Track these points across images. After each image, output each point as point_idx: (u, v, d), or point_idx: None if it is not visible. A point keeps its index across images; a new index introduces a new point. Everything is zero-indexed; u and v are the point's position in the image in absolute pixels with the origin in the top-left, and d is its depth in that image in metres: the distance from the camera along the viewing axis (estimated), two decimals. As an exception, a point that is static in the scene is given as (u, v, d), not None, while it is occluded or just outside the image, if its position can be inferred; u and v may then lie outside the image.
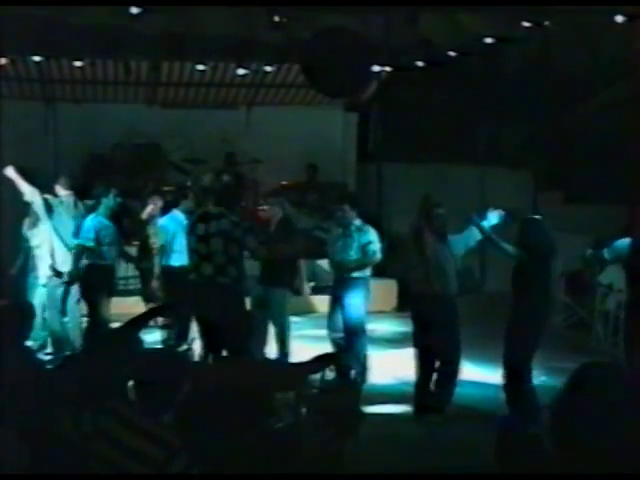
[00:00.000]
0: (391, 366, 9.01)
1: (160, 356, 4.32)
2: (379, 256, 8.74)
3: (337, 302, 8.74)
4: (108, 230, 9.26)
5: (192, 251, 7.56)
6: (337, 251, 8.75)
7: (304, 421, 5.27)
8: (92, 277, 9.20)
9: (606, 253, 8.68)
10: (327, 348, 9.26)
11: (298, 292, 9.53)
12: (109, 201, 9.32)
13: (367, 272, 8.81)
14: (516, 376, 7.65)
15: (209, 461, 4.43)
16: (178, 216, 9.71)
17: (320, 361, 6.04)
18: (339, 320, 8.69)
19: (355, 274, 8.65)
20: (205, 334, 7.57)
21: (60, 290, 9.27)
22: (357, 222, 8.72)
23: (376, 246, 8.67)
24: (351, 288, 8.64)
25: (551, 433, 2.37)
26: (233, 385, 5.27)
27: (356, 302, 8.66)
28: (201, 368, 6.26)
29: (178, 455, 3.72)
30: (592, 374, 2.45)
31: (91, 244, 9.14)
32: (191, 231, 7.64)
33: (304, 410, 5.38)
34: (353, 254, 8.63)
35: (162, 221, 9.87)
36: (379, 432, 6.77)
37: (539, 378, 9.05)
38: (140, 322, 5.13)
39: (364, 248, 8.61)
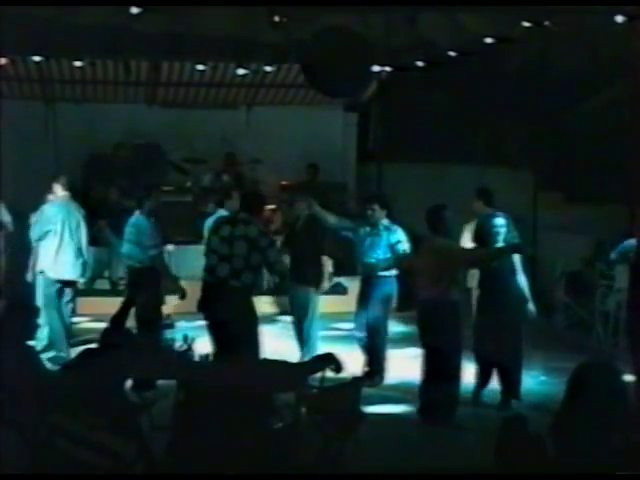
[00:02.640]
0: (391, 366, 9.00)
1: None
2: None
3: (364, 301, 8.81)
4: (151, 231, 9.10)
5: (211, 252, 7.50)
6: (364, 250, 8.79)
7: (304, 421, 5.27)
8: (138, 280, 9.02)
9: (612, 254, 8.65)
10: (328, 348, 9.26)
11: (321, 289, 9.42)
12: (151, 201, 9.19)
13: (394, 271, 8.83)
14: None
15: (209, 461, 4.43)
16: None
17: (320, 361, 6.04)
18: (365, 319, 8.78)
19: (382, 273, 8.69)
20: (213, 336, 7.53)
21: (54, 290, 9.25)
22: (385, 222, 8.77)
23: (405, 245, 8.72)
24: (377, 287, 8.72)
25: (552, 433, 2.37)
26: (233, 385, 5.26)
27: (381, 301, 8.74)
28: (201, 368, 6.25)
29: (132, 466, 3.74)
30: (591, 375, 2.45)
31: (131, 251, 9.00)
32: (214, 232, 7.59)
33: (304, 410, 5.38)
34: (381, 253, 8.69)
35: (210, 222, 9.66)
36: (379, 432, 6.77)
37: (539, 378, 9.08)
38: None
39: (393, 247, 8.67)
